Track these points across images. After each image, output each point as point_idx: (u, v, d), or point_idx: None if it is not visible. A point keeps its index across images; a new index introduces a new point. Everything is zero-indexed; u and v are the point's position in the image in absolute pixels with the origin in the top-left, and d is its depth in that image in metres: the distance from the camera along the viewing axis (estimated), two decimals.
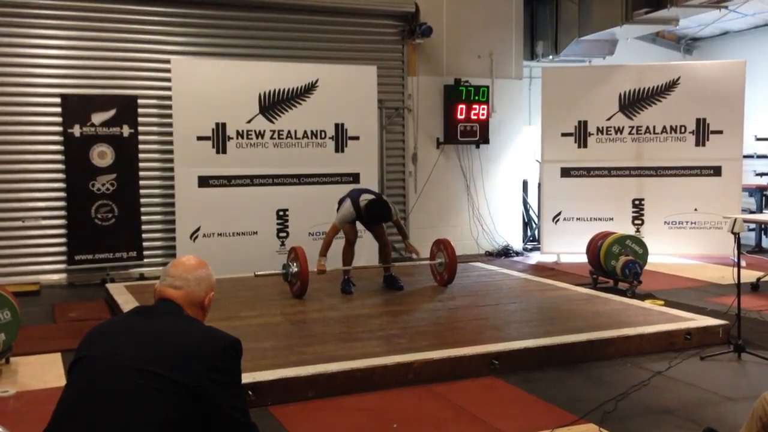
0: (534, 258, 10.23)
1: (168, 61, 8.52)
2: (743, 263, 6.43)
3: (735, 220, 5.28)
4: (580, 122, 9.84)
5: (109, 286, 7.63)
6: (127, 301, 6.62)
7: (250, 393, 4.14)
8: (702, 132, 9.57)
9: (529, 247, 10.94)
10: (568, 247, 9.55)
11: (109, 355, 2.20)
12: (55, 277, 8.54)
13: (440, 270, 7.51)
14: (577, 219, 9.84)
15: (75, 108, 8.31)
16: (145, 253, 8.76)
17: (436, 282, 7.59)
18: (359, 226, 7.40)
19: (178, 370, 2.11)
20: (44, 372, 5.04)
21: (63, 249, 8.50)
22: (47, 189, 8.55)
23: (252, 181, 8.76)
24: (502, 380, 4.79)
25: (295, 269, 6.85)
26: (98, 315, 6.63)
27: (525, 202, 11.26)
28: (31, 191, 8.52)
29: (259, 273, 7.09)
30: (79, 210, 8.37)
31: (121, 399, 2.09)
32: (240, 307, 6.51)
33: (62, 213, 8.50)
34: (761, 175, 11.18)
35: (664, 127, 9.67)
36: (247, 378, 3.88)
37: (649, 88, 9.70)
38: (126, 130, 8.50)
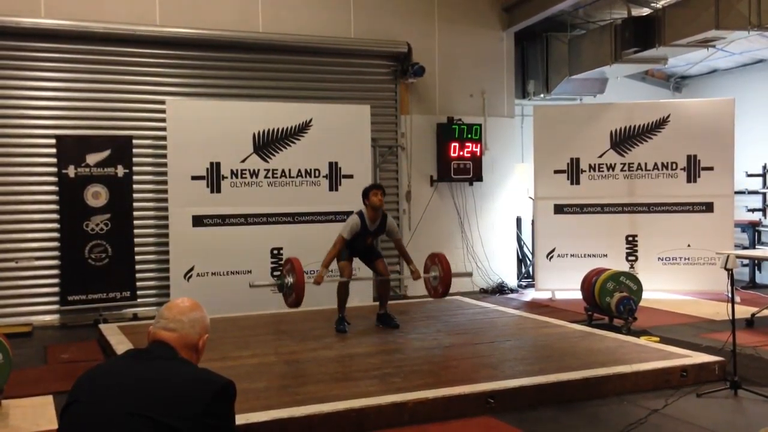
0: (529, 295, 10.22)
1: (163, 102, 8.60)
2: (737, 299, 6.46)
3: (728, 256, 5.30)
4: (572, 159, 9.91)
5: (102, 326, 7.58)
6: (119, 342, 6.57)
7: None
8: (693, 169, 9.66)
9: (524, 283, 10.94)
10: (562, 283, 9.55)
11: (100, 399, 2.18)
12: (48, 318, 8.49)
13: (434, 284, 7.39)
14: (571, 255, 9.85)
15: (70, 148, 8.35)
16: (139, 293, 8.73)
17: (430, 296, 7.53)
18: (356, 263, 7.39)
19: (171, 415, 2.10)
20: (36, 415, 4.98)
21: (56, 290, 8.47)
22: (41, 229, 8.55)
23: (246, 220, 8.77)
24: (498, 419, 4.76)
25: (291, 280, 6.80)
26: (91, 356, 6.58)
27: (519, 239, 11.28)
28: (25, 232, 8.52)
29: (254, 283, 7.08)
30: (72, 250, 8.35)
31: None
32: (234, 347, 6.46)
33: (56, 253, 8.49)
34: (753, 210, 11.24)
35: (656, 164, 9.75)
36: (240, 419, 3.85)
37: (639, 125, 9.79)
38: (120, 171, 8.53)
